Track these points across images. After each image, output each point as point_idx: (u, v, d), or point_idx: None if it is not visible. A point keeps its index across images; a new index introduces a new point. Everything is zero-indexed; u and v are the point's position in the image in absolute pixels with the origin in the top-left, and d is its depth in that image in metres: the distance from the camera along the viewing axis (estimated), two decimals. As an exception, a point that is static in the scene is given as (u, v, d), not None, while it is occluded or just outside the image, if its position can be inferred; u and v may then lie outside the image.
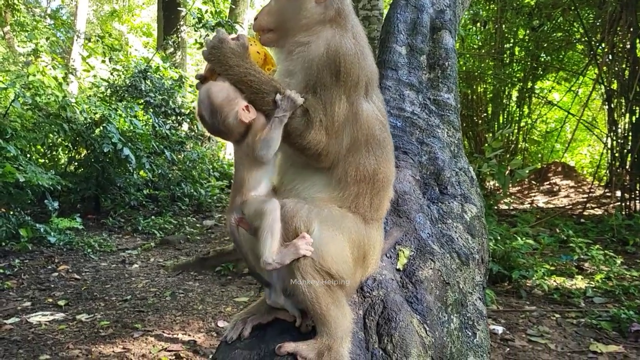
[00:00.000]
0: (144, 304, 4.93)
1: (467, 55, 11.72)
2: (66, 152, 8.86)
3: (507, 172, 7.63)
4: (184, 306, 4.90)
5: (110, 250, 6.81)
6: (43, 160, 8.70)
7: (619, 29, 8.93)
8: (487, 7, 11.16)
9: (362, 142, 1.94)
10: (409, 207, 2.34)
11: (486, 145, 7.67)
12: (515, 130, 11.71)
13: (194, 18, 10.38)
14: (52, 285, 5.42)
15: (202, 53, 1.91)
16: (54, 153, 8.92)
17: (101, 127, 7.76)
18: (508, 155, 10.93)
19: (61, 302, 4.89)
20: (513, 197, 11.25)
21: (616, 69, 9.25)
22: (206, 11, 10.68)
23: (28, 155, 7.41)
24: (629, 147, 8.84)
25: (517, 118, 11.77)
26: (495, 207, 9.04)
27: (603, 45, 9.52)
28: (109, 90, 9.85)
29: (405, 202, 2.36)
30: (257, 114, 1.85)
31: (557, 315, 4.63)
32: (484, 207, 2.80)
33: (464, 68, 11.51)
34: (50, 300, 4.98)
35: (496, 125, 11.49)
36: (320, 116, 1.84)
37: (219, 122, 1.82)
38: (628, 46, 8.92)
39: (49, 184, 6.50)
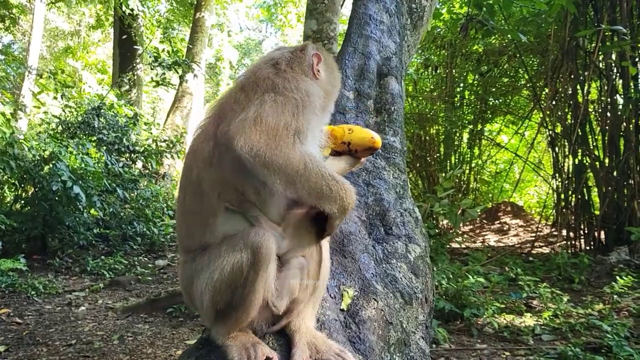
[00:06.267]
0: (90, 348, 4.74)
1: (420, 98, 12.08)
2: (12, 190, 8.55)
3: (458, 211, 7.81)
4: (132, 350, 4.73)
5: (56, 292, 6.53)
6: (-13, 199, 8.39)
7: (560, 75, 9.40)
8: (438, 53, 11.63)
9: None
10: (354, 247, 2.38)
11: (438, 185, 7.87)
12: (467, 171, 12.03)
13: (150, 57, 10.39)
14: (-9, 330, 5.16)
15: None
16: (-1, 191, 8.61)
17: (50, 165, 7.55)
18: (460, 195, 11.22)
19: (0, 348, 4.65)
20: (465, 235, 11.47)
21: (559, 113, 9.69)
22: (163, 50, 10.72)
23: (-29, 194, 7.13)
24: (573, 188, 9.20)
25: (468, 159, 12.12)
26: (448, 246, 9.19)
27: (546, 90, 10.02)
28: (60, 127, 9.64)
29: (351, 242, 2.40)
30: None
31: (507, 353, 4.70)
32: (429, 247, 2.87)
33: (417, 110, 11.85)
34: (-11, 346, 4.74)
35: (448, 166, 11.78)
36: None
37: None
38: (570, 92, 9.36)
39: (-8, 224, 6.26)
